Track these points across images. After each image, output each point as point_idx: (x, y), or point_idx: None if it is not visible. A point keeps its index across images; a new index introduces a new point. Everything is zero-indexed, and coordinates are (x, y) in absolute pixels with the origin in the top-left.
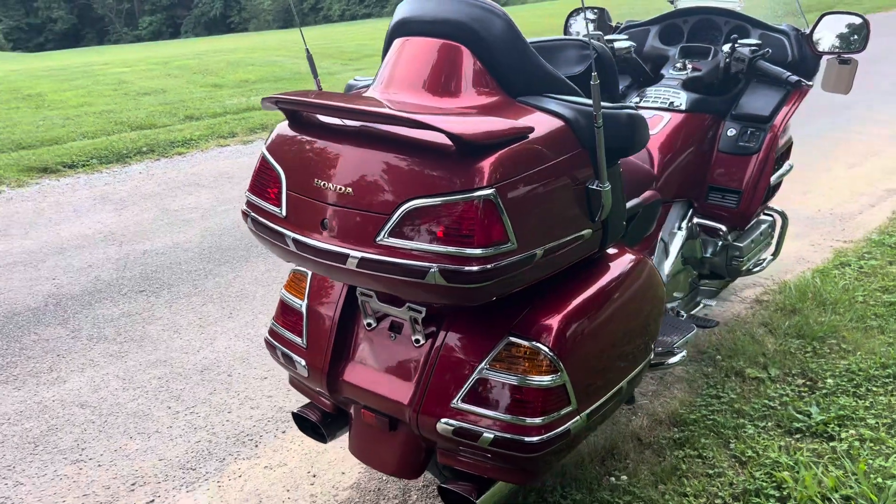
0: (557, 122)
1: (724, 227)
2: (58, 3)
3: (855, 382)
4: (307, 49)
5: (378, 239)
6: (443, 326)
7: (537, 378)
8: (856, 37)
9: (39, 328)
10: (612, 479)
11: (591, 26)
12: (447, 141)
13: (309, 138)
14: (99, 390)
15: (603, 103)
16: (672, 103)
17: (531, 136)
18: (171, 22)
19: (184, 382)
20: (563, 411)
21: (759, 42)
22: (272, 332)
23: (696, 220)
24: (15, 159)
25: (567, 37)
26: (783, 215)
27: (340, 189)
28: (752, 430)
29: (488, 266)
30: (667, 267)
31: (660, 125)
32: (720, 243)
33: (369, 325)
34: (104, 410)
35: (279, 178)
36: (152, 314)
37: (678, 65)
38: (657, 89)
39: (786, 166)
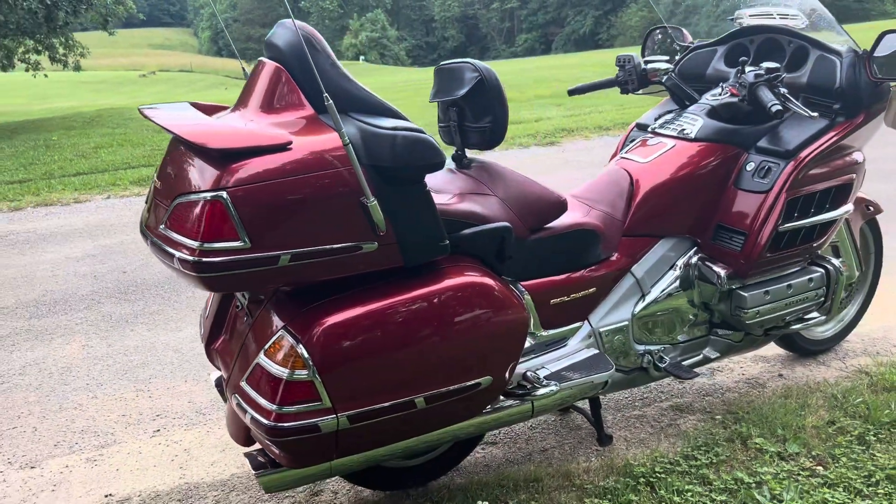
0: (328, 138)
1: (721, 273)
2: (451, 24)
3: (871, 480)
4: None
5: (160, 227)
6: (256, 313)
7: (281, 368)
8: None
9: None
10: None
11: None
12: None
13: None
14: None
15: (383, 123)
16: (683, 130)
17: (292, 147)
18: (545, 39)
19: None
20: (310, 406)
21: (776, 65)
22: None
23: (696, 260)
24: None
25: (462, 59)
26: (837, 269)
27: (157, 184)
28: (697, 500)
29: (214, 259)
30: (637, 306)
31: (655, 153)
32: (722, 290)
33: (237, 305)
34: (189, 356)
35: None
36: None
37: (717, 89)
38: (680, 115)
39: (838, 210)
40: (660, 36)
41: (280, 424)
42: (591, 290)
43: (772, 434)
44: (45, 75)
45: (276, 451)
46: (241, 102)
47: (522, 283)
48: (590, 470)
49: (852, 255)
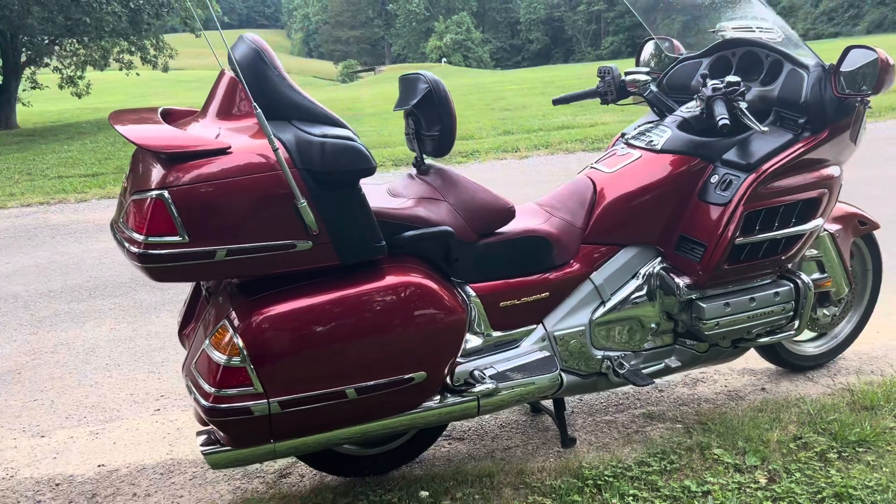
0: (267, 144)
1: (680, 283)
2: (536, 26)
3: (818, 497)
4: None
5: (120, 222)
6: (209, 303)
7: (220, 355)
8: (869, 76)
9: None
10: (424, 493)
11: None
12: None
13: None
14: None
15: (316, 130)
16: (651, 142)
17: (232, 151)
18: (631, 42)
19: None
20: (241, 391)
21: (738, 79)
22: None
23: (659, 270)
24: None
25: (417, 71)
26: (806, 284)
27: (124, 184)
28: None
29: (156, 252)
30: (596, 312)
31: (621, 164)
32: (681, 300)
33: (205, 296)
34: None
35: None
36: None
37: (692, 102)
38: (655, 126)
39: (806, 225)
40: (654, 47)
41: (217, 406)
42: (543, 294)
43: (733, 446)
44: (137, 74)
45: (218, 431)
46: (203, 110)
47: (472, 285)
48: (544, 469)
49: (839, 271)
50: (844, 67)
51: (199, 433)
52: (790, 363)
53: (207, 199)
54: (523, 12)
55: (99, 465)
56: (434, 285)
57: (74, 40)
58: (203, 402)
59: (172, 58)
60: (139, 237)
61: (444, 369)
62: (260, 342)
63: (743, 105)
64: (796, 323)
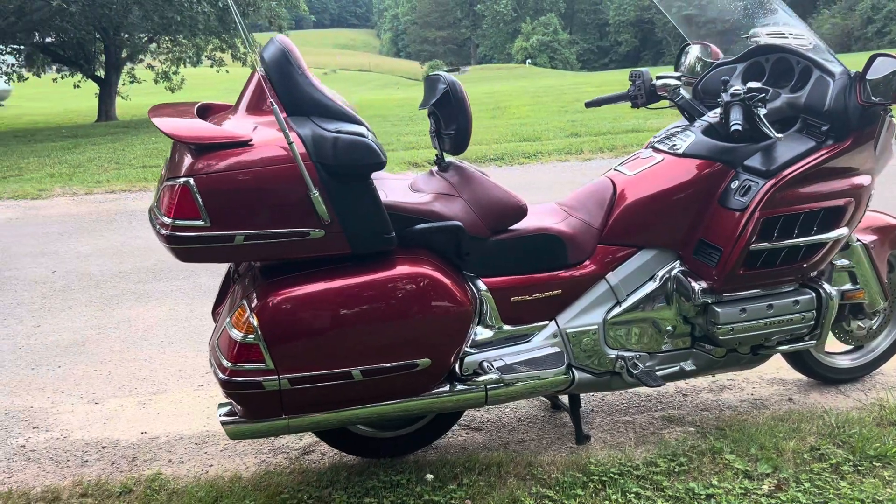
0: (282, 138)
1: (696, 286)
2: (626, 28)
3: None
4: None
5: (155, 206)
6: (236, 285)
7: (237, 332)
8: (893, 84)
9: None
10: (430, 476)
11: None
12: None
13: None
14: None
15: (330, 126)
16: (674, 146)
17: (253, 144)
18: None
19: None
20: (255, 366)
21: (759, 86)
22: None
23: (676, 273)
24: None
25: (437, 72)
26: (828, 294)
27: (162, 172)
28: (641, 502)
29: (177, 233)
30: (611, 312)
31: (642, 167)
32: (696, 304)
33: (234, 278)
34: None
35: None
36: None
37: (718, 108)
38: (681, 131)
39: (828, 234)
40: (695, 52)
41: (232, 379)
42: (556, 291)
43: (745, 452)
44: (227, 71)
45: (235, 404)
46: (236, 105)
47: (484, 279)
48: (554, 463)
49: (873, 283)
50: (870, 76)
51: (220, 405)
52: (821, 375)
53: (228, 187)
54: (612, 14)
55: (142, 433)
56: (442, 277)
57: (168, 38)
58: (220, 375)
59: None
60: (168, 220)
61: (449, 358)
62: (272, 322)
63: (762, 112)
64: (818, 333)
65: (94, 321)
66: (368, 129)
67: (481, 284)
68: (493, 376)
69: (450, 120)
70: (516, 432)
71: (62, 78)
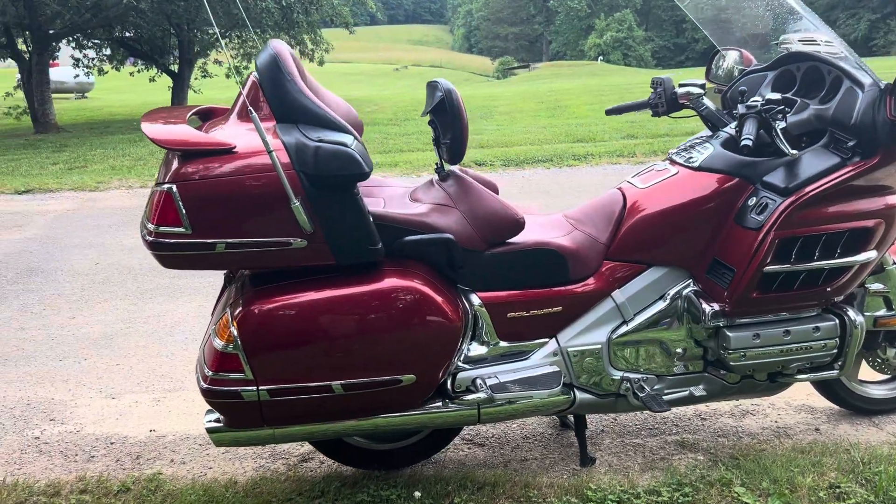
0: (261, 146)
1: (707, 308)
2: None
3: None
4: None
5: (145, 212)
6: (225, 292)
7: (220, 341)
8: None
9: None
10: (418, 493)
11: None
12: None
13: None
14: None
15: (314, 134)
16: (690, 158)
17: (237, 151)
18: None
19: None
20: (234, 376)
21: (778, 98)
22: None
23: (688, 293)
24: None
25: (436, 79)
26: (853, 322)
27: (156, 176)
28: None
29: (164, 240)
30: (617, 331)
31: (655, 180)
32: (707, 327)
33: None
34: None
35: None
36: None
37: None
38: (700, 143)
39: (854, 257)
40: (728, 58)
41: (212, 388)
42: (556, 308)
43: (757, 486)
44: None
45: (225, 414)
46: (230, 111)
47: (480, 293)
48: (552, 486)
49: None
50: None
51: (208, 411)
52: (853, 405)
53: (209, 195)
54: None
55: (150, 430)
56: (430, 291)
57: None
58: (202, 382)
59: (328, 52)
60: (151, 227)
61: (436, 374)
62: (251, 332)
63: (780, 125)
64: (841, 363)
65: (126, 315)
66: (356, 139)
67: (476, 299)
68: (483, 395)
69: (446, 128)
70: (520, 450)
71: (138, 72)
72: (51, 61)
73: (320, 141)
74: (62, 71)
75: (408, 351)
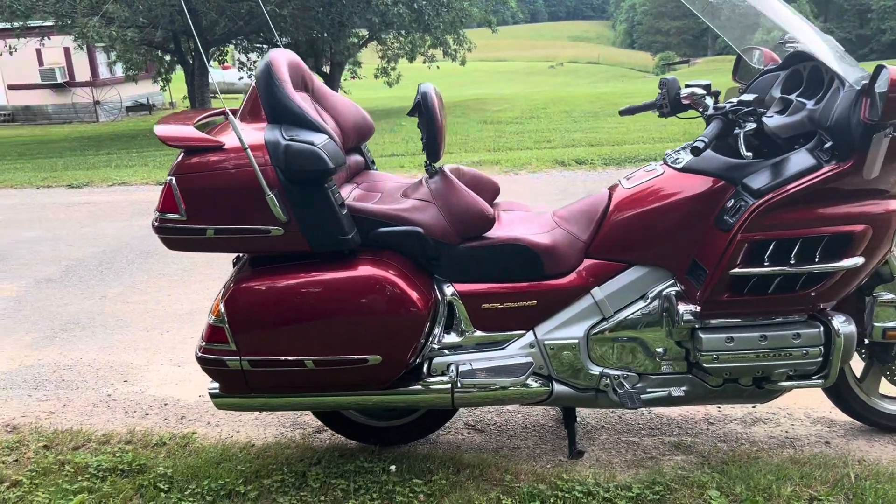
0: (251, 142)
1: (680, 309)
2: (891, 14)
3: None
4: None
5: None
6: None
7: (212, 316)
8: None
9: None
10: (392, 467)
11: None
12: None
13: None
14: None
15: (288, 134)
16: (677, 160)
17: (225, 148)
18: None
19: None
20: (221, 347)
21: (751, 98)
22: None
23: (667, 293)
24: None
25: (421, 83)
26: (836, 331)
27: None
28: None
29: (165, 225)
30: (595, 328)
31: (640, 180)
32: (681, 327)
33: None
34: None
35: None
36: None
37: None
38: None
39: (835, 263)
40: (752, 58)
41: (204, 356)
42: (530, 302)
43: (731, 491)
44: (437, 67)
45: (220, 381)
46: (239, 111)
47: (455, 284)
48: (530, 473)
49: None
50: (878, 88)
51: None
52: (870, 420)
53: (200, 186)
54: None
55: (199, 395)
56: (397, 279)
57: (384, 36)
58: (197, 352)
59: (470, 51)
60: (157, 213)
61: (402, 356)
62: (235, 309)
63: (749, 127)
64: (826, 372)
65: (207, 293)
66: (330, 138)
67: (450, 289)
68: (446, 378)
69: (421, 129)
70: (516, 438)
71: None
72: (223, 64)
73: (291, 140)
74: (232, 73)
75: (374, 333)
